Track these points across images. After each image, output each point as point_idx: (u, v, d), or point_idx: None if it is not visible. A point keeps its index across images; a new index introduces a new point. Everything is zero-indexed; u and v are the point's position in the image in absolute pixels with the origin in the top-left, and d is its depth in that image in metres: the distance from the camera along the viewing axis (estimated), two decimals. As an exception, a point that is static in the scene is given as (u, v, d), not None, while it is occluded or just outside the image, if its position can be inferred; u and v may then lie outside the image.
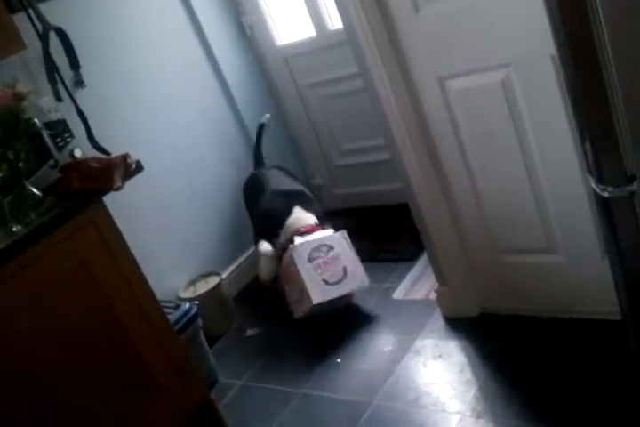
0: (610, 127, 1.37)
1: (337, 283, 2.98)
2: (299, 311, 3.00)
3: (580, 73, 1.40)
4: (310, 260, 2.99)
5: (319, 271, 2.97)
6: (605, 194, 1.45)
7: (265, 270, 3.34)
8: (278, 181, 3.42)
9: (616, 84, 1.31)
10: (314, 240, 3.04)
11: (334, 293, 2.96)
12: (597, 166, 1.46)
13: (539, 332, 2.52)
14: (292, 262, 2.99)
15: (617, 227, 1.52)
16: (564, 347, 2.41)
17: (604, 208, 1.51)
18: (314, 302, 2.90)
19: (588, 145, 1.47)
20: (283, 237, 3.17)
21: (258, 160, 3.61)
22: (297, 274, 2.96)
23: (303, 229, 3.12)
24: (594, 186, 1.48)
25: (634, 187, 1.40)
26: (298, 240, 3.06)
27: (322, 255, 3.00)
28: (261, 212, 3.39)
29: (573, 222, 2.35)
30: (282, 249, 3.15)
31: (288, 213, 3.21)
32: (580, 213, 2.30)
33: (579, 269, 2.42)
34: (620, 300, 1.66)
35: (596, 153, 1.46)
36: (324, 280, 2.97)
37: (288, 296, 3.09)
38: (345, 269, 3.00)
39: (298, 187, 3.41)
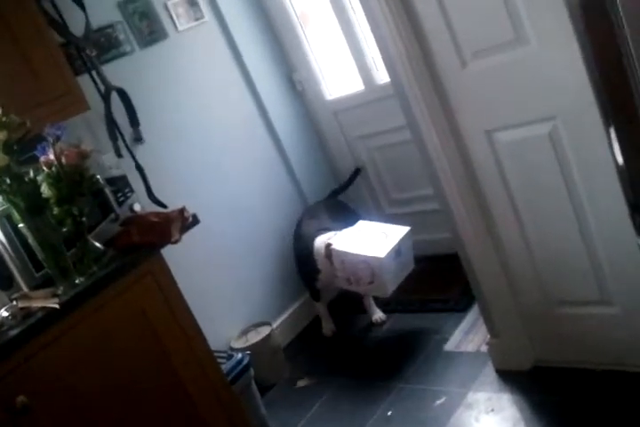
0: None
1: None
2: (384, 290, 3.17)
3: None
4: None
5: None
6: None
7: (327, 326, 3.55)
8: (310, 222, 3.53)
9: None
10: (353, 254, 3.14)
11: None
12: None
13: (593, 385, 2.48)
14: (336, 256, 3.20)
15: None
16: (618, 401, 2.36)
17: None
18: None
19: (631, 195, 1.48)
20: (319, 265, 3.29)
21: (334, 192, 3.85)
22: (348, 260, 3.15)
23: (331, 241, 3.23)
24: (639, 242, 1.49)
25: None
26: (336, 245, 3.21)
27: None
28: (295, 261, 3.53)
29: (627, 273, 2.33)
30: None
31: (312, 249, 3.33)
32: (633, 264, 2.27)
33: (634, 321, 2.38)
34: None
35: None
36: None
37: (363, 291, 3.29)
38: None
39: (324, 223, 3.50)
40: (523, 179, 2.40)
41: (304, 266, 3.46)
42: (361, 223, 3.39)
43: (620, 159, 1.64)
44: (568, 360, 2.60)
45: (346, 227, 3.39)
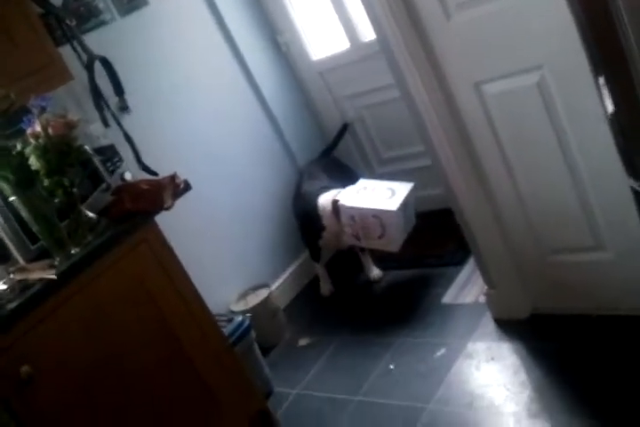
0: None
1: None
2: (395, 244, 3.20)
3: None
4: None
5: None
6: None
7: (325, 286, 3.58)
8: (311, 182, 3.54)
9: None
10: (364, 209, 3.16)
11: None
12: (634, 163, 1.48)
13: (590, 330, 2.51)
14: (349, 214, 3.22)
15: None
16: (616, 344, 2.40)
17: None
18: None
19: (622, 140, 1.49)
20: (325, 221, 3.32)
21: (326, 151, 3.85)
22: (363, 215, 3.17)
23: (337, 197, 3.26)
24: (632, 184, 1.50)
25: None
26: (344, 201, 3.23)
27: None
28: (297, 220, 3.54)
29: (619, 218, 2.34)
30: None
31: (316, 206, 3.34)
32: (625, 209, 2.27)
33: (628, 265, 2.40)
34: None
35: (631, 148, 1.48)
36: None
37: (372, 245, 3.30)
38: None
39: (325, 182, 3.51)
40: (512, 130, 2.41)
41: (307, 224, 3.48)
42: (363, 181, 3.40)
43: (609, 106, 1.64)
44: (565, 307, 2.63)
45: (346, 185, 3.40)
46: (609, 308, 2.52)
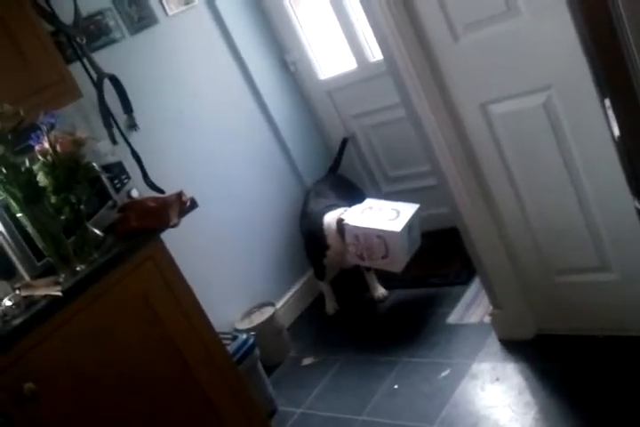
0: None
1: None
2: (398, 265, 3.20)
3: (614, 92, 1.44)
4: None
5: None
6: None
7: (330, 304, 3.59)
8: (318, 200, 3.56)
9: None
10: (368, 229, 3.17)
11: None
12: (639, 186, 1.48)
13: (596, 351, 2.50)
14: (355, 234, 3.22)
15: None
16: (622, 366, 2.39)
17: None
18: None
19: (627, 162, 1.50)
20: (329, 240, 3.32)
21: (331, 168, 3.88)
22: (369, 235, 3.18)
23: (342, 216, 3.27)
24: (638, 205, 1.50)
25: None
26: (349, 220, 3.24)
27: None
28: (303, 239, 3.55)
29: (625, 239, 2.34)
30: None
31: (321, 225, 3.35)
32: (631, 230, 2.28)
33: (634, 286, 2.40)
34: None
35: (637, 170, 1.48)
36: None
37: (375, 265, 3.31)
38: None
39: (331, 201, 3.52)
40: (519, 150, 2.41)
41: (312, 243, 3.48)
42: (369, 201, 3.41)
43: (615, 128, 1.64)
44: (570, 328, 2.63)
45: (353, 204, 3.41)
46: (615, 329, 2.51)
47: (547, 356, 2.61)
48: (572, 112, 2.22)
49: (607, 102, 1.64)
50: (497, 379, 2.61)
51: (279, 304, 3.56)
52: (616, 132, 1.63)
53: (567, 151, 2.30)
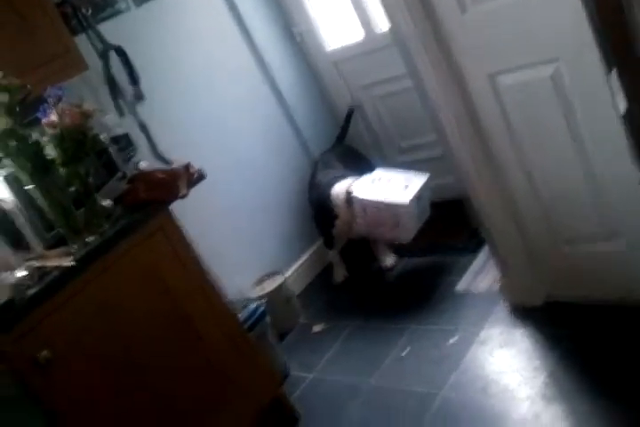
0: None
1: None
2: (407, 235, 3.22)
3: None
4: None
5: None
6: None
7: (339, 272, 3.61)
8: (326, 171, 3.55)
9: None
10: (376, 201, 3.17)
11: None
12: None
13: (605, 318, 2.52)
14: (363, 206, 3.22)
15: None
16: (629, 331, 2.41)
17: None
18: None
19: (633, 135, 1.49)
20: (338, 211, 3.33)
21: (338, 138, 3.86)
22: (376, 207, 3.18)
23: (351, 188, 3.27)
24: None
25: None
26: (357, 192, 3.23)
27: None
28: (312, 209, 3.56)
29: (631, 208, 2.34)
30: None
31: (329, 196, 3.36)
32: (637, 199, 2.29)
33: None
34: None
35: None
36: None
37: (384, 236, 3.33)
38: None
39: (340, 171, 3.52)
40: (526, 121, 2.40)
41: (321, 213, 3.49)
42: (378, 171, 3.41)
43: (620, 101, 1.63)
44: (579, 295, 2.64)
45: (361, 174, 3.41)
46: (623, 297, 2.51)
47: (555, 322, 2.62)
48: (580, 84, 2.21)
49: (613, 74, 1.62)
50: (506, 344, 2.63)
51: (289, 272, 3.59)
52: (621, 104, 1.62)
53: (574, 122, 2.29)
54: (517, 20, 2.21)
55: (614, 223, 2.42)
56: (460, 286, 3.11)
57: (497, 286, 2.88)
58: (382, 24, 3.53)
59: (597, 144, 2.28)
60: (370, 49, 3.70)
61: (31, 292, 1.98)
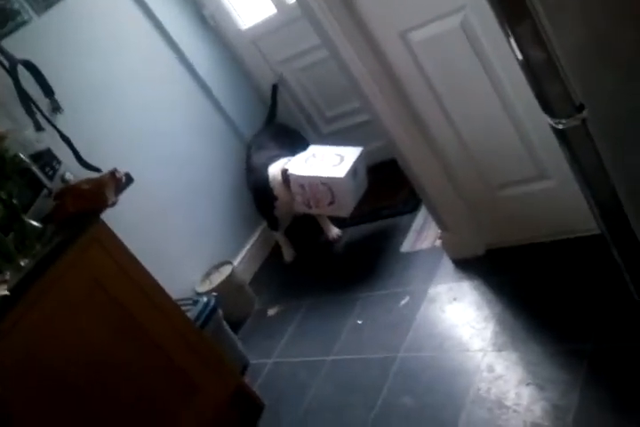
0: (548, 61, 1.43)
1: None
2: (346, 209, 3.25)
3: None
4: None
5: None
6: (560, 126, 1.51)
7: (287, 252, 3.63)
8: (260, 153, 3.56)
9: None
10: (312, 177, 3.19)
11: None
12: (547, 101, 1.52)
13: (545, 257, 2.58)
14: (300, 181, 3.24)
15: (578, 155, 1.59)
16: (571, 266, 2.47)
17: (564, 140, 1.57)
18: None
19: (533, 82, 1.53)
20: (276, 192, 3.35)
21: (268, 118, 3.86)
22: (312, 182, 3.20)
23: (286, 167, 3.29)
24: (549, 121, 1.54)
25: (584, 114, 1.46)
26: (293, 170, 3.25)
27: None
28: (251, 193, 3.57)
29: (557, 147, 2.38)
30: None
31: (266, 178, 3.37)
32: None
33: (570, 190, 2.43)
34: (595, 216, 1.73)
35: (542, 88, 1.52)
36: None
37: (323, 212, 3.37)
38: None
39: (274, 151, 3.53)
40: (444, 75, 2.42)
41: (260, 196, 3.51)
42: (312, 148, 3.42)
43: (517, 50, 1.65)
44: (518, 238, 2.70)
45: (296, 152, 3.42)
46: (560, 232, 2.59)
47: (499, 269, 2.68)
48: (490, 31, 2.17)
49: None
50: (454, 299, 2.69)
51: (237, 261, 3.60)
52: (518, 54, 1.64)
53: (491, 69, 2.31)
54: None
55: (543, 163, 2.47)
56: (404, 247, 3.16)
57: (439, 242, 2.94)
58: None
59: (516, 89, 2.29)
60: (283, 22, 3.69)
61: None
